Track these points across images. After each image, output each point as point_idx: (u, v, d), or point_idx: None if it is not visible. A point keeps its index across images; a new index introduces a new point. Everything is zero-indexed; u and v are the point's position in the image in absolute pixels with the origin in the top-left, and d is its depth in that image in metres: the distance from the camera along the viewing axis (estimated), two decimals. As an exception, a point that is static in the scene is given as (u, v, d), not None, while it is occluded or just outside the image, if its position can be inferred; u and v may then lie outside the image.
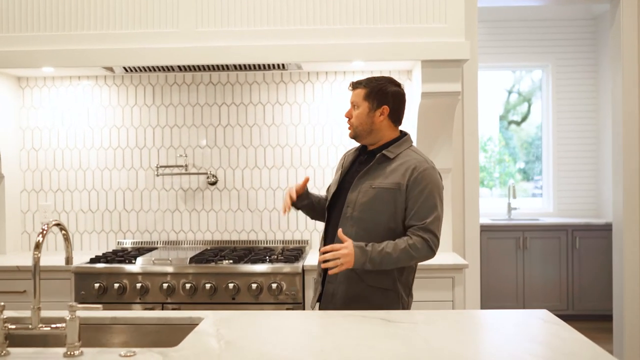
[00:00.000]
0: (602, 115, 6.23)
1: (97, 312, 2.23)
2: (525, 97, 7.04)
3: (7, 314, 2.06)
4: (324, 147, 3.96)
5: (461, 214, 3.94)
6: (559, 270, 5.86)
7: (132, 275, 3.32)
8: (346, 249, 2.27)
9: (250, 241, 3.98)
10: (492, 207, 6.51)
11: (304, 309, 3.29)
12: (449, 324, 2.03)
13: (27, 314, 2.07)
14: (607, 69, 6.09)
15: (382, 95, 2.46)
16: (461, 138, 3.93)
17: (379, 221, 2.41)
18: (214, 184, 3.96)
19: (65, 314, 1.68)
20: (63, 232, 1.82)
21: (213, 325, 2.01)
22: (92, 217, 4.01)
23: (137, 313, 2.19)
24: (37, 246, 1.69)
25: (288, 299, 3.28)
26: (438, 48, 3.32)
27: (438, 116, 3.53)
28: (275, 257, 3.51)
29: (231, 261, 3.40)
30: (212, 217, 3.99)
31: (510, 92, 6.98)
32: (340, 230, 2.36)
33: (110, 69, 3.71)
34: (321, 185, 3.93)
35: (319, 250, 2.41)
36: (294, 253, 3.59)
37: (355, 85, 2.51)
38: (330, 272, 2.31)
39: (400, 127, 2.58)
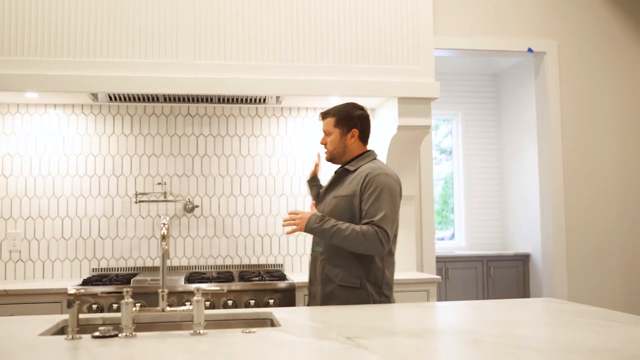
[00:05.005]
0: (504, 160, 7.03)
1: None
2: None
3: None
4: (296, 176, 4.25)
5: (419, 240, 4.36)
6: (476, 296, 6.45)
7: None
8: (303, 214, 2.61)
9: (226, 266, 4.13)
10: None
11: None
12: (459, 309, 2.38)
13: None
14: (508, 120, 6.93)
15: (350, 119, 2.75)
16: (417, 170, 4.39)
17: None
18: (191, 210, 4.10)
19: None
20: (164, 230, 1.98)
21: (290, 314, 2.22)
22: (64, 244, 3.98)
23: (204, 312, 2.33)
24: (164, 238, 1.85)
25: (283, 314, 3.49)
26: (414, 87, 3.77)
27: (408, 147, 3.96)
28: (261, 277, 3.71)
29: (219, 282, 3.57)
30: (189, 243, 4.11)
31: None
32: (313, 203, 2.76)
33: (95, 96, 3.79)
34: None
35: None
36: (278, 274, 3.81)
37: (324, 115, 2.80)
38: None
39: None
